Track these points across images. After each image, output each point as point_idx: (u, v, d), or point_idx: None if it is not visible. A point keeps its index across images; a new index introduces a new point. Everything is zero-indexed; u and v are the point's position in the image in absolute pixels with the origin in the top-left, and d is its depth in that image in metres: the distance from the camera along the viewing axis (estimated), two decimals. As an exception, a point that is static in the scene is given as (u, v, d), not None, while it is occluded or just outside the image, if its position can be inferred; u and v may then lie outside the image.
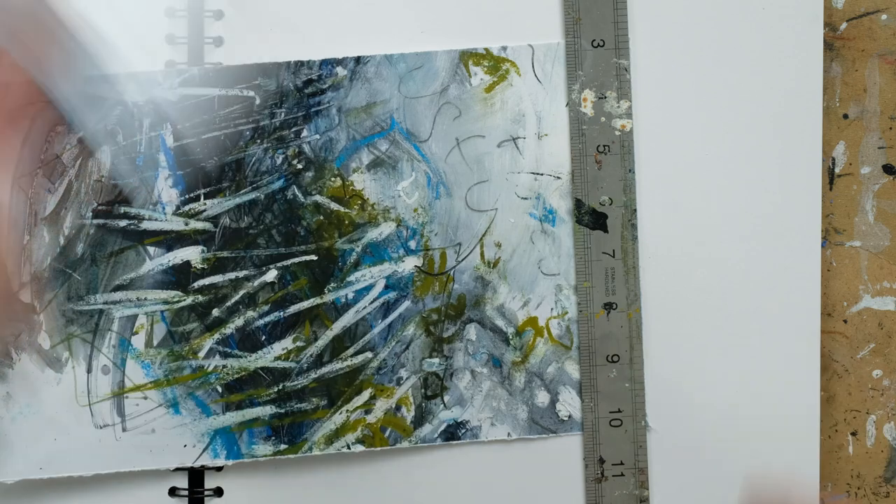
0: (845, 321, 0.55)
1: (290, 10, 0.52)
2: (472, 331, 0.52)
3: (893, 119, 0.55)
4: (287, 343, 0.51)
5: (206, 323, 0.51)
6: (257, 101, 0.51)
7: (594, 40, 0.50)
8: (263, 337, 0.51)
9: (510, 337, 0.52)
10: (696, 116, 0.53)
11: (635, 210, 0.51)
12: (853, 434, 0.55)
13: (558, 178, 0.51)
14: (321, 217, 0.51)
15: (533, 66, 0.51)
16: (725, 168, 0.53)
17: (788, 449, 0.53)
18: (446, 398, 0.52)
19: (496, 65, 0.51)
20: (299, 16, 0.52)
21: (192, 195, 0.51)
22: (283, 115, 0.51)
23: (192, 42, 0.52)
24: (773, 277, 0.53)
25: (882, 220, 0.55)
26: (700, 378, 0.53)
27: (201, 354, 0.51)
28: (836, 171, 0.55)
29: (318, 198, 0.51)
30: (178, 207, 0.51)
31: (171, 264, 0.51)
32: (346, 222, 0.51)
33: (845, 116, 0.55)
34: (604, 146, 0.51)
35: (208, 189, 0.51)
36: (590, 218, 0.50)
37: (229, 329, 0.51)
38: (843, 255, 0.55)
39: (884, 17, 0.54)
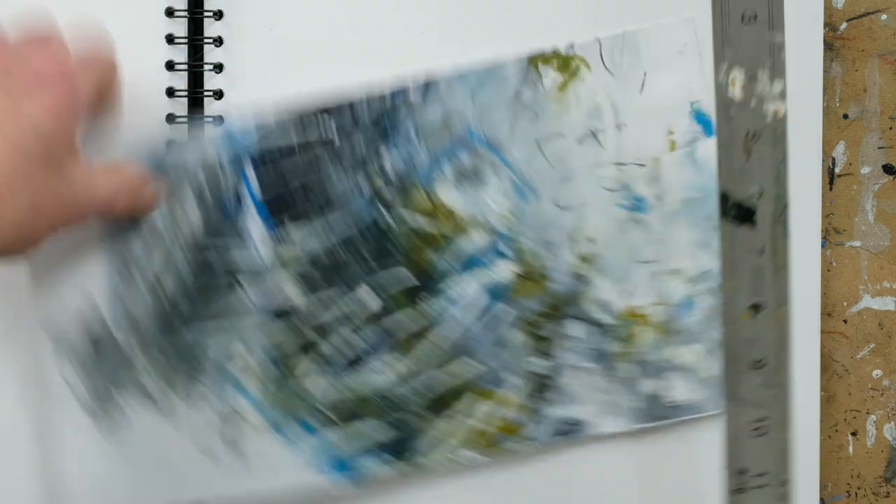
0: (845, 321, 0.55)
1: (291, 8, 0.52)
2: (572, 327, 0.52)
3: (893, 119, 0.55)
4: (387, 358, 0.51)
5: (304, 346, 0.51)
6: (334, 128, 0.51)
7: (744, 13, 0.47)
8: (363, 355, 0.51)
9: (611, 328, 0.52)
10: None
11: (787, 204, 0.48)
12: (853, 434, 0.55)
13: (642, 165, 0.51)
14: (411, 234, 0.51)
15: (602, 59, 0.51)
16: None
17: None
18: (552, 396, 0.51)
19: (565, 63, 0.51)
20: (300, 14, 0.52)
21: (278, 222, 0.50)
22: (361, 139, 0.51)
23: (192, 42, 0.52)
24: (774, 277, 0.53)
25: (882, 220, 0.55)
26: (700, 378, 0.53)
27: (302, 377, 0.51)
28: (836, 171, 0.55)
29: (405, 215, 0.51)
30: (266, 236, 0.50)
31: (264, 291, 0.51)
32: (437, 236, 0.51)
33: (845, 116, 0.55)
34: (754, 132, 0.48)
35: (294, 215, 0.50)
36: (736, 212, 0.48)
37: (328, 349, 0.51)
38: (843, 255, 0.55)
39: (884, 17, 0.54)
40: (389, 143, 0.51)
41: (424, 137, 0.51)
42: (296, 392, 0.51)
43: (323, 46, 0.52)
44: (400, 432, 0.51)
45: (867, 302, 0.55)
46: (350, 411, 0.51)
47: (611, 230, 0.52)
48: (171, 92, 0.52)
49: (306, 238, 0.51)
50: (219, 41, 0.52)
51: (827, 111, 0.54)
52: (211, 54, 0.52)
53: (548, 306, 0.52)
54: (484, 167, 0.51)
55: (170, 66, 0.52)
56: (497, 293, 0.51)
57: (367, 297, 0.51)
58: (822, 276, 0.54)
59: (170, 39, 0.52)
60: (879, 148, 0.55)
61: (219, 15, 0.52)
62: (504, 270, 0.51)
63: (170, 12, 0.52)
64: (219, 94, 0.52)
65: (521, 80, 0.51)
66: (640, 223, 0.52)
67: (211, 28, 0.52)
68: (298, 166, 0.50)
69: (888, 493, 0.55)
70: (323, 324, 0.51)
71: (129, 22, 0.52)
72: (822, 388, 0.55)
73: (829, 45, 0.54)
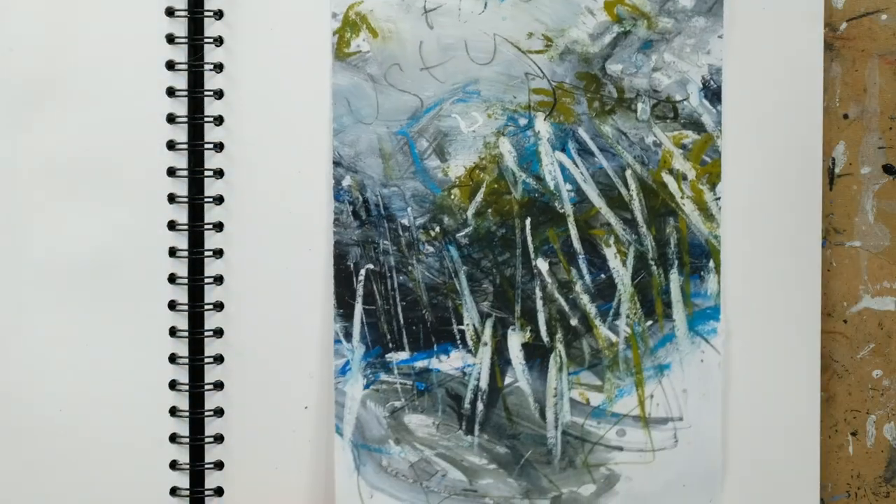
0: (845, 321, 0.55)
1: (291, 8, 0.52)
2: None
3: (893, 119, 0.55)
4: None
5: None
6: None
7: None
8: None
9: None
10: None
11: None
12: (853, 434, 0.55)
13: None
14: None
15: None
16: (724, 168, 0.53)
17: (788, 449, 0.53)
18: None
19: (349, 25, 0.52)
20: (300, 14, 0.52)
21: None
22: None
23: (192, 42, 0.52)
24: (773, 277, 0.53)
25: (882, 220, 0.55)
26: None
27: None
28: (836, 171, 0.55)
29: None
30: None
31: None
32: None
33: (845, 116, 0.55)
34: None
35: None
36: None
37: None
38: (843, 255, 0.55)
39: (884, 17, 0.54)
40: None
41: None
42: None
43: (322, 46, 0.52)
44: None
45: (867, 302, 0.55)
46: None
47: None
48: (171, 92, 0.52)
49: None
50: (219, 41, 0.52)
51: (827, 111, 0.54)
52: (211, 54, 0.52)
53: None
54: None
55: (170, 65, 0.52)
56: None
57: None
58: (822, 276, 0.54)
59: (170, 39, 0.52)
60: (879, 148, 0.55)
61: (219, 15, 0.52)
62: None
63: (170, 12, 0.52)
64: (219, 94, 0.52)
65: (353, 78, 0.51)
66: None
67: (211, 28, 0.52)
68: None
69: (888, 493, 0.55)
70: None
71: (129, 22, 0.52)
72: (822, 388, 0.55)
73: (829, 45, 0.54)
